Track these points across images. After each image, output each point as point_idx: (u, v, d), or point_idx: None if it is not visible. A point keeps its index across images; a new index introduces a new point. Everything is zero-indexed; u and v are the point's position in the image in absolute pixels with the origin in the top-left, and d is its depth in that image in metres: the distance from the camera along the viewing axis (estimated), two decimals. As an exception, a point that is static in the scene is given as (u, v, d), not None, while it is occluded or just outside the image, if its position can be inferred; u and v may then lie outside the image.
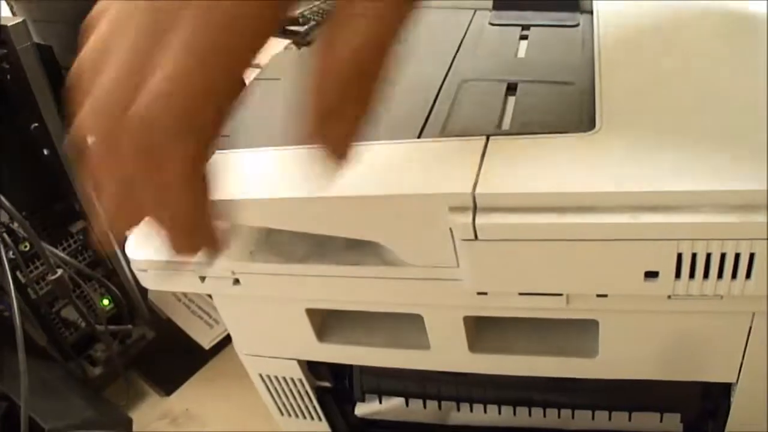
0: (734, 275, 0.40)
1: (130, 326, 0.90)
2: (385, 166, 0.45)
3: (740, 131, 0.42)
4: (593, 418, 0.57)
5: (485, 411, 0.59)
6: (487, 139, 0.45)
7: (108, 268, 0.89)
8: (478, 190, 0.41)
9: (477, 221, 0.41)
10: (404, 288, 0.47)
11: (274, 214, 0.47)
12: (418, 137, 0.47)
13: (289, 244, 0.50)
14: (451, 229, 0.42)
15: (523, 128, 0.46)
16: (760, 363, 0.48)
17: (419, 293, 0.48)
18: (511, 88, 0.51)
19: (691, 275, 0.41)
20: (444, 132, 0.47)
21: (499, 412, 0.59)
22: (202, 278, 0.52)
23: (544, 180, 0.41)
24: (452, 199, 0.42)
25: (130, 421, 0.85)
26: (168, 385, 0.95)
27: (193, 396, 0.93)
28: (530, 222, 0.40)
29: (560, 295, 0.45)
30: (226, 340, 0.95)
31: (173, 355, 0.97)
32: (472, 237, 0.41)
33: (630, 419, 0.57)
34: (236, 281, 0.52)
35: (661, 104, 0.46)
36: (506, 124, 0.47)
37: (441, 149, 0.45)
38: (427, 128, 0.48)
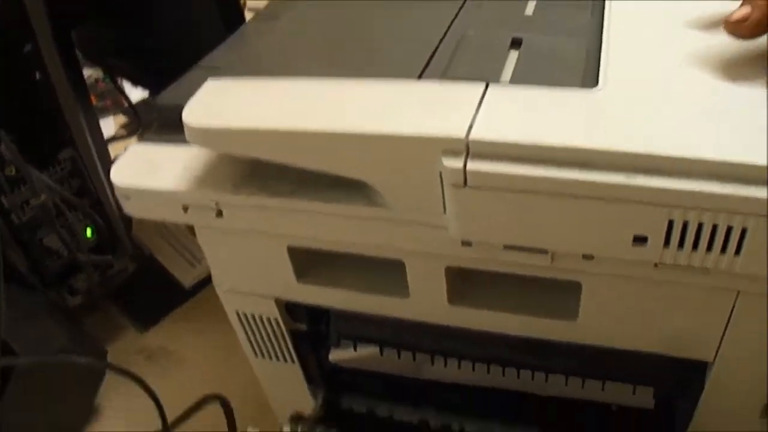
0: (723, 249, 0.39)
1: (111, 258, 0.89)
2: (380, 104, 0.44)
3: (745, 104, 0.41)
4: (566, 383, 0.57)
5: (459, 367, 0.59)
6: (487, 86, 0.44)
7: (93, 199, 0.88)
8: (472, 136, 0.40)
9: (468, 167, 0.40)
10: (388, 231, 0.47)
11: (263, 144, 0.46)
12: (418, 78, 0.46)
13: (275, 179, 0.49)
14: (441, 173, 0.42)
15: (524, 79, 0.45)
16: (738, 344, 0.48)
17: (403, 238, 0.47)
18: (516, 43, 0.50)
19: (680, 245, 0.40)
20: (444, 76, 0.46)
21: (473, 369, 0.59)
22: (185, 208, 0.52)
23: (540, 132, 0.40)
24: (445, 143, 0.41)
25: (104, 352, 0.84)
26: (146, 320, 0.95)
27: (170, 333, 0.93)
28: (522, 173, 0.39)
29: (545, 252, 0.45)
30: (207, 280, 0.94)
31: (153, 291, 0.97)
32: (462, 183, 0.41)
33: (603, 388, 0.57)
34: (219, 213, 0.51)
35: (667, 71, 0.45)
36: (507, 75, 0.47)
37: (439, 92, 0.45)
38: (427, 71, 0.48)
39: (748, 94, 0.42)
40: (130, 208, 0.54)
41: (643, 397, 0.56)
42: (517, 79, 0.46)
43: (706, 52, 0.46)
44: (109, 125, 1.30)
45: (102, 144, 0.89)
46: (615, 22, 0.50)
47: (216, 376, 0.84)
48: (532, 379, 0.58)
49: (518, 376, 0.58)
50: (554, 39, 0.50)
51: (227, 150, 0.49)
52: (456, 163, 0.40)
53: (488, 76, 0.45)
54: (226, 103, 0.48)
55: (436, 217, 0.44)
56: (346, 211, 0.47)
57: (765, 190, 0.37)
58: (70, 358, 0.74)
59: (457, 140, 0.40)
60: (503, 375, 0.58)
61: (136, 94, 1.20)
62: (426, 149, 0.41)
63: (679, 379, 0.54)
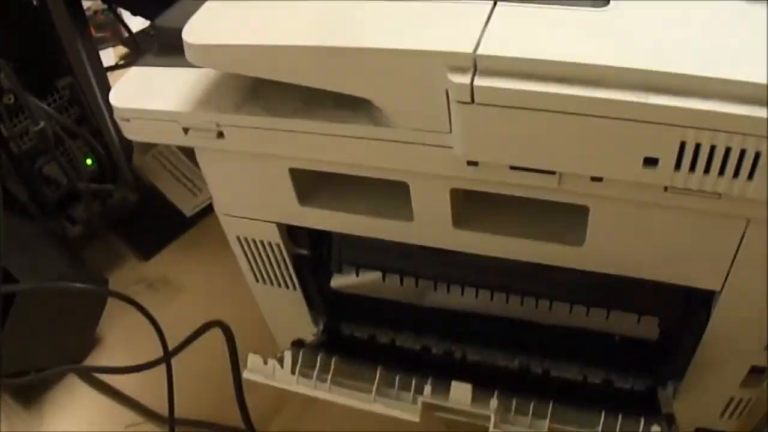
0: (736, 174, 0.38)
1: (111, 186, 0.88)
2: (386, 18, 0.43)
3: (765, 22, 0.40)
4: (571, 311, 0.57)
5: (462, 293, 0.59)
6: (495, 2, 0.42)
7: (93, 127, 0.87)
8: (479, 51, 0.39)
9: (475, 83, 0.39)
10: (392, 151, 0.46)
11: (266, 61, 0.45)
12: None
13: (277, 99, 0.48)
14: (447, 90, 0.41)
15: (533, -4, 0.44)
16: (747, 274, 0.47)
17: (408, 158, 0.46)
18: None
19: (692, 168, 0.39)
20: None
21: (476, 296, 0.58)
22: (186, 130, 0.51)
23: (550, 48, 0.39)
24: (452, 59, 0.40)
25: (105, 281, 0.84)
26: (147, 249, 0.94)
27: (171, 262, 0.93)
28: (532, 90, 0.38)
29: (553, 173, 0.44)
30: (208, 209, 0.94)
31: (154, 220, 0.96)
32: (469, 100, 0.40)
33: (608, 317, 0.56)
34: (220, 134, 0.50)
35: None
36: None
37: (446, 7, 0.43)
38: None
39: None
40: (130, 131, 0.54)
41: (648, 328, 0.56)
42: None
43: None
44: (108, 56, 1.28)
45: (101, 72, 0.88)
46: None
47: (217, 304, 0.84)
48: (536, 307, 0.57)
49: (522, 304, 0.58)
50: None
51: (228, 68, 0.48)
52: (463, 79, 0.39)
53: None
54: (227, 21, 0.47)
55: (441, 137, 0.44)
56: (350, 131, 0.46)
57: (782, 113, 0.35)
58: (71, 284, 0.73)
59: (464, 55, 0.39)
60: (507, 302, 0.58)
61: (135, 24, 1.18)
62: (432, 65, 0.40)
63: (685, 310, 0.54)
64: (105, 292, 0.81)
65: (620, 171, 0.41)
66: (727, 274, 0.48)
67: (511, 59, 0.39)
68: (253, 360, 0.57)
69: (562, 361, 0.61)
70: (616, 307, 0.56)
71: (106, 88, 0.87)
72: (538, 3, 0.43)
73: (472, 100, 0.40)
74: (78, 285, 0.73)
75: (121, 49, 1.32)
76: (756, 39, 0.38)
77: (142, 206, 0.94)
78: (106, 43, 1.31)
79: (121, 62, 1.27)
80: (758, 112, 0.36)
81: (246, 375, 0.57)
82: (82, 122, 0.87)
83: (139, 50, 1.17)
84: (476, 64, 0.39)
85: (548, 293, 0.56)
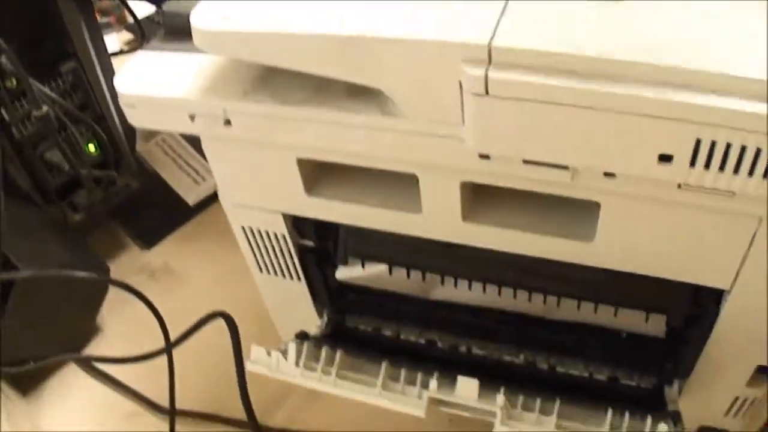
0: (751, 173, 0.38)
1: (114, 173, 0.88)
2: (400, 7, 0.42)
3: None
4: (578, 307, 0.56)
5: (470, 288, 0.58)
6: (511, -7, 0.42)
7: (96, 113, 0.87)
8: (495, 43, 0.38)
9: (490, 75, 0.38)
10: (403, 142, 0.46)
11: (275, 48, 0.44)
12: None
13: (287, 87, 0.48)
14: (460, 82, 0.40)
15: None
16: (757, 273, 0.46)
17: (418, 150, 0.46)
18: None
19: (707, 165, 0.38)
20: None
21: (484, 291, 0.58)
22: (192, 117, 0.50)
23: (566, 41, 0.38)
24: (467, 50, 0.39)
25: (107, 269, 0.84)
26: (149, 238, 0.94)
27: (173, 251, 0.93)
28: (547, 83, 0.38)
29: (566, 168, 0.43)
30: (211, 199, 0.94)
31: (157, 208, 0.96)
32: (483, 92, 0.39)
33: (616, 314, 0.56)
34: (227, 122, 0.49)
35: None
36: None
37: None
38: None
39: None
40: (135, 118, 0.53)
41: (656, 325, 0.55)
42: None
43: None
44: (113, 42, 1.28)
45: (105, 57, 0.87)
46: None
47: (219, 295, 0.83)
48: (544, 302, 0.57)
49: (529, 299, 0.57)
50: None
51: (237, 55, 0.47)
52: (478, 71, 0.39)
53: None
54: (237, 6, 0.46)
55: (453, 129, 0.43)
56: (360, 121, 0.46)
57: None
58: (71, 272, 0.73)
59: (479, 47, 0.39)
60: (514, 297, 0.57)
61: (140, 10, 1.17)
62: (446, 56, 0.40)
63: (693, 308, 0.53)
64: (106, 280, 0.81)
65: (634, 167, 0.40)
66: (737, 273, 0.47)
67: (527, 51, 0.38)
68: (256, 351, 0.57)
69: (569, 358, 0.61)
70: (624, 304, 0.55)
71: (110, 74, 0.86)
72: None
73: (486, 92, 0.39)
74: (79, 273, 0.72)
75: (126, 35, 1.31)
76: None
77: (144, 194, 0.93)
78: (110, 28, 1.31)
79: (126, 48, 1.27)
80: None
81: (249, 367, 0.57)
82: (85, 108, 0.86)
83: (144, 36, 1.17)
84: (491, 56, 0.39)
85: (556, 289, 0.56)
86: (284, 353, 0.56)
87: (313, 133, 0.48)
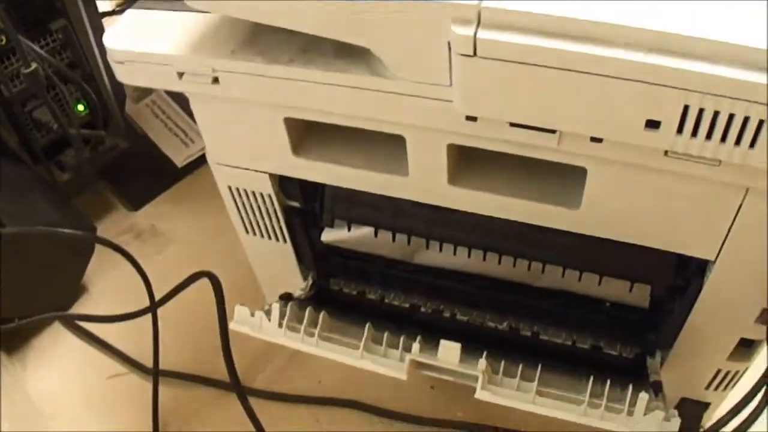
0: (738, 141, 0.38)
1: (103, 132, 0.87)
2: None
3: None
4: (563, 275, 0.56)
5: (455, 253, 0.58)
6: (503, -46, 0.41)
7: (86, 72, 0.86)
8: (484, 3, 0.38)
9: (479, 36, 0.38)
10: (390, 103, 0.45)
11: (267, 6, 0.44)
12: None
13: (275, 46, 0.48)
14: (449, 42, 0.40)
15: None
16: (742, 245, 0.47)
17: (405, 110, 0.45)
18: None
19: (694, 133, 0.38)
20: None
21: (469, 256, 0.58)
22: (180, 74, 0.50)
23: (556, 4, 0.38)
24: (456, 10, 0.39)
25: (93, 228, 0.83)
26: (136, 199, 0.94)
27: (160, 213, 0.93)
28: (536, 45, 0.37)
29: (553, 132, 0.43)
30: (200, 161, 0.93)
31: (144, 170, 0.95)
32: (471, 53, 0.39)
33: (600, 283, 0.56)
34: (215, 80, 0.49)
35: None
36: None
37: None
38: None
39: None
40: (123, 74, 0.53)
41: (639, 295, 0.56)
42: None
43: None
44: (104, 4, 1.26)
45: (96, 16, 0.86)
46: None
47: (205, 256, 0.83)
48: (528, 269, 0.57)
49: (514, 266, 0.57)
50: None
51: (226, 11, 0.46)
52: (466, 31, 0.38)
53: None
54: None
55: (441, 90, 0.43)
56: (348, 80, 0.45)
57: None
58: (58, 230, 0.72)
59: (469, 6, 0.38)
60: (499, 263, 0.57)
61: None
62: (436, 15, 0.39)
63: (678, 279, 0.53)
64: (92, 238, 0.81)
65: (621, 132, 0.40)
66: (722, 244, 0.47)
67: (516, 13, 0.38)
68: (240, 312, 0.57)
69: (552, 325, 0.61)
70: (609, 273, 0.55)
71: (100, 33, 0.85)
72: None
73: (475, 53, 0.39)
74: (65, 231, 0.72)
75: (118, -4, 1.30)
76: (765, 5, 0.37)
77: (132, 155, 0.92)
78: (102, -12, 1.29)
79: (118, 9, 1.25)
80: (763, 79, 0.35)
81: (233, 326, 0.57)
82: (74, 67, 0.85)
83: (135, -2, 1.16)
84: (480, 17, 0.38)
85: (541, 255, 0.56)
86: (268, 314, 0.56)
87: (301, 92, 0.47)
